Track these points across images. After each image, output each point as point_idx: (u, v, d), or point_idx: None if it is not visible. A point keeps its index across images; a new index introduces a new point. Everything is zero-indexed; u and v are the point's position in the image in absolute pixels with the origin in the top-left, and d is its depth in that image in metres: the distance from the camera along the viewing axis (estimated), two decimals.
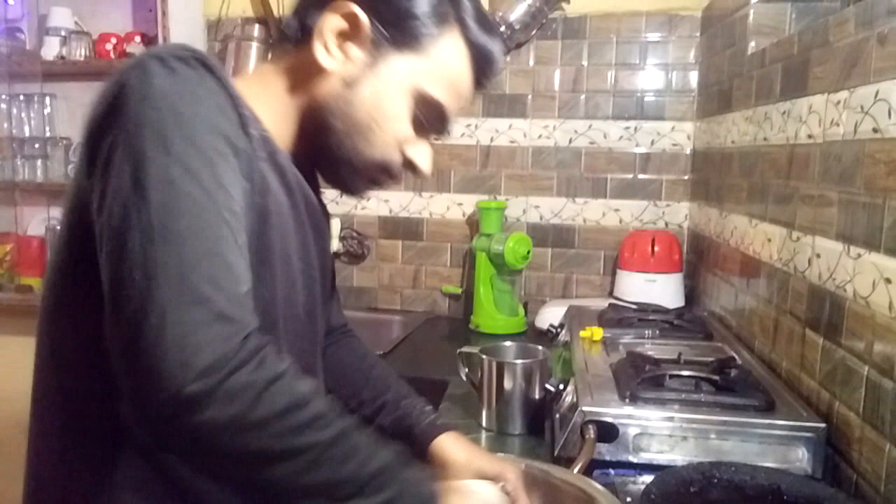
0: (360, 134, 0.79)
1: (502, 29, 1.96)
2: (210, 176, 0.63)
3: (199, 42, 2.20)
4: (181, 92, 0.65)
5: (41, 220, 2.34)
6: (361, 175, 0.83)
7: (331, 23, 0.76)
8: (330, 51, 0.77)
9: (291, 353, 0.78)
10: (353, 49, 0.77)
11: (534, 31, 2.02)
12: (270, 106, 0.79)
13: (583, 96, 2.06)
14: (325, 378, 0.93)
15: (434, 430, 0.95)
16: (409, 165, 0.83)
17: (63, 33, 2.17)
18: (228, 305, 0.60)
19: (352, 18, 0.76)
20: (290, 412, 0.60)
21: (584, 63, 2.05)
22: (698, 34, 1.98)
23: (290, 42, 0.81)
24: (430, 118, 0.81)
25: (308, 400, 0.63)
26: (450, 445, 0.93)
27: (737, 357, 1.26)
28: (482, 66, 0.82)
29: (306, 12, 0.80)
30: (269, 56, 0.83)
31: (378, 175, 0.83)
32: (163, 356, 0.56)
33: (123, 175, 0.62)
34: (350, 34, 0.77)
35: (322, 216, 0.90)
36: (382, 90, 0.78)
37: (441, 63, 0.79)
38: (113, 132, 0.64)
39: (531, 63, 2.08)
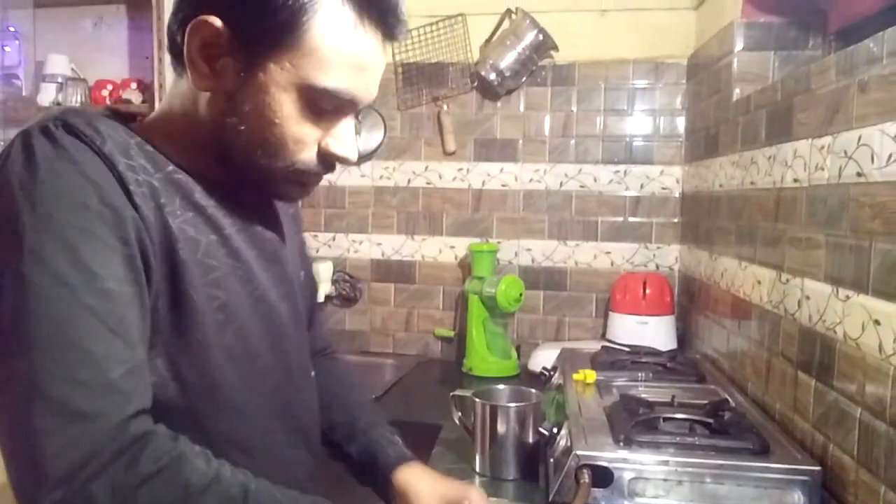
0: (259, 146, 0.74)
1: (493, 76, 2.01)
2: (67, 264, 0.61)
3: None
4: (36, 179, 0.62)
5: None
6: (282, 182, 0.77)
7: (193, 42, 0.71)
8: (198, 68, 0.72)
9: (260, 392, 0.78)
10: (225, 60, 0.71)
11: (524, 78, 2.06)
12: (178, 142, 0.76)
13: (573, 141, 2.10)
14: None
15: (398, 460, 0.95)
16: (330, 157, 0.77)
17: (60, 80, 2.20)
18: (90, 400, 0.58)
19: (207, 28, 0.70)
20: None
21: (574, 109, 2.09)
22: (684, 81, 2.02)
23: (178, 68, 0.76)
24: (332, 106, 0.74)
25: (200, 491, 0.61)
26: (413, 475, 0.92)
27: (730, 400, 1.26)
28: (377, 15, 0.73)
29: (173, 41, 0.75)
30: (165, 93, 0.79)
31: (301, 177, 0.77)
32: (19, 471, 0.56)
33: None
34: (214, 46, 0.71)
35: (276, 241, 0.85)
36: (263, 97, 0.71)
37: (322, 46, 0.70)
38: None
39: (521, 109, 2.12)
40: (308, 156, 0.76)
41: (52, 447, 0.56)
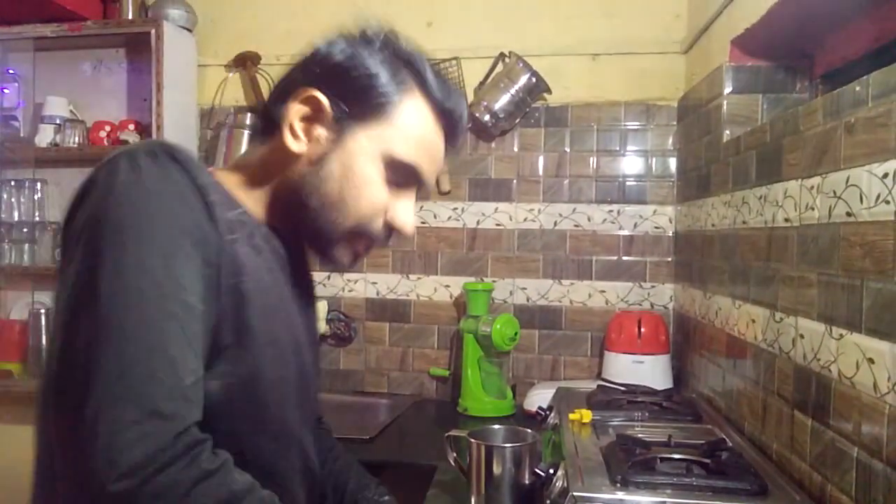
0: (333, 206, 0.82)
1: (487, 117, 2.04)
2: (162, 269, 0.66)
3: (191, 130, 2.26)
4: (142, 188, 0.68)
5: (24, 305, 2.32)
6: (341, 245, 0.85)
7: (294, 110, 0.81)
8: (297, 135, 0.82)
9: (283, 424, 0.82)
10: (319, 129, 0.81)
11: (517, 120, 2.10)
12: (250, 193, 0.84)
13: (566, 181, 2.12)
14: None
15: None
16: (391, 228, 0.86)
17: (58, 121, 2.22)
18: (165, 401, 0.62)
19: (313, 102, 0.81)
20: None
21: (567, 149, 2.12)
22: (675, 123, 2.06)
23: (263, 136, 0.86)
24: (405, 180, 0.84)
25: (239, 497, 0.65)
26: None
27: (727, 439, 1.25)
28: (448, 124, 0.86)
29: (274, 106, 0.84)
30: (246, 149, 0.91)
31: (358, 243, 0.86)
32: (93, 453, 0.59)
33: (80, 268, 0.65)
34: (314, 117, 0.81)
35: (310, 290, 0.93)
36: (350, 162, 0.81)
37: (406, 126, 0.82)
38: (78, 226, 0.68)
39: (515, 149, 2.15)
40: (376, 221, 0.84)
41: (128, 437, 0.59)
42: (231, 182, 0.84)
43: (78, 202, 0.70)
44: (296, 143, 0.82)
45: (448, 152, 0.89)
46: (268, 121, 0.85)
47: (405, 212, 0.86)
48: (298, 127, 0.82)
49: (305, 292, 0.92)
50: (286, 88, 0.83)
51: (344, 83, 0.81)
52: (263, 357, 0.77)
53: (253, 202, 0.84)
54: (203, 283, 0.69)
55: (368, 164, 0.81)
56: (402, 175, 0.84)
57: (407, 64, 0.84)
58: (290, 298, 0.86)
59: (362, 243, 0.86)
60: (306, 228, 0.84)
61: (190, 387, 0.65)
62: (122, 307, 0.63)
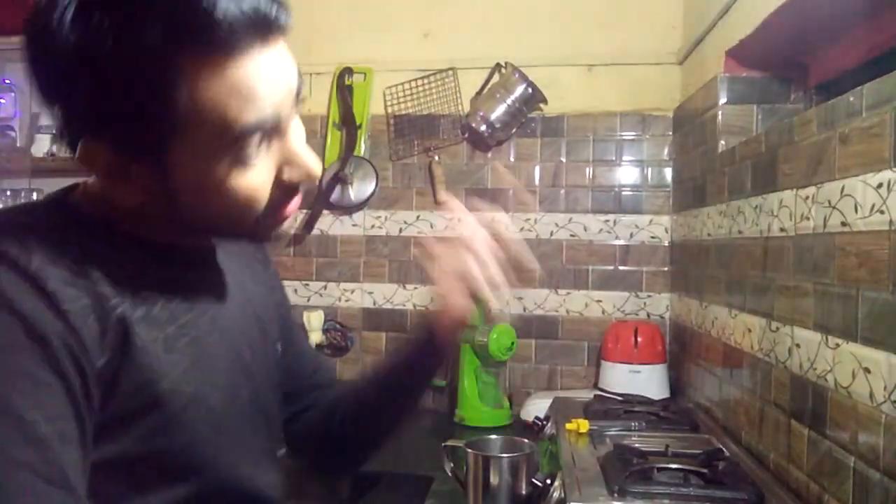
0: (220, 222, 0.70)
1: (483, 128, 2.04)
2: (2, 423, 0.56)
3: None
4: None
5: None
6: (257, 232, 0.73)
7: (97, 169, 0.66)
8: (119, 189, 0.66)
9: (231, 473, 0.76)
10: (134, 168, 0.64)
11: (514, 130, 2.10)
12: (144, 217, 0.71)
13: (562, 191, 2.13)
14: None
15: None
16: (292, 185, 0.71)
17: (54, 131, 2.21)
18: None
19: (103, 157, 0.63)
20: None
21: (563, 159, 2.13)
22: (671, 133, 2.07)
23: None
24: (258, 142, 0.65)
25: None
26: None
27: (724, 449, 1.25)
28: (259, 39, 0.62)
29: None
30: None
31: (272, 217, 0.71)
32: None
33: None
34: (118, 165, 0.64)
35: (249, 299, 0.83)
36: (192, 175, 0.65)
37: (202, 112, 0.61)
38: None
39: (512, 159, 2.15)
40: (265, 197, 0.69)
41: None
42: (105, 200, 0.69)
43: None
44: (129, 196, 0.66)
45: (277, 37, 0.65)
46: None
47: (296, 158, 0.69)
48: (112, 182, 0.66)
49: (246, 303, 0.82)
50: (70, 142, 0.66)
51: (115, 123, 0.62)
52: (177, 425, 0.68)
53: (145, 226, 0.71)
54: (63, 398, 0.58)
55: (206, 166, 0.64)
56: (248, 144, 0.64)
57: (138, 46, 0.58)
58: (216, 340, 0.75)
59: (277, 214, 0.72)
60: (216, 237, 0.77)
61: None
62: None
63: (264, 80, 0.63)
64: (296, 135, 0.70)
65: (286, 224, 0.74)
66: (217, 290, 0.79)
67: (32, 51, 0.67)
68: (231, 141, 0.63)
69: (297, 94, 0.68)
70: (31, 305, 0.58)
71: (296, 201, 0.73)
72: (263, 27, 0.61)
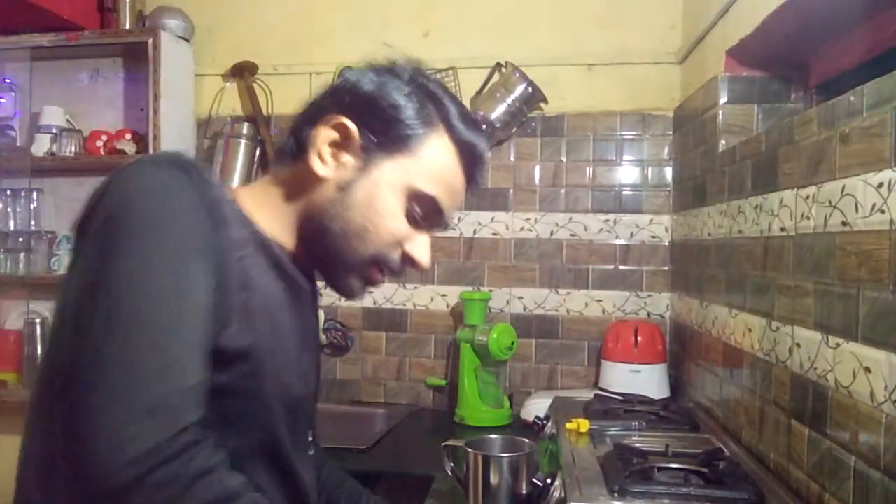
0: (356, 233, 0.83)
1: (483, 127, 2.04)
2: (171, 274, 0.67)
3: (188, 139, 2.26)
4: (156, 195, 0.70)
5: (20, 314, 2.31)
6: (357, 273, 0.87)
7: (323, 135, 0.83)
8: (324, 159, 0.83)
9: (285, 438, 0.83)
10: (346, 156, 0.83)
11: (514, 129, 2.10)
12: (270, 212, 0.86)
13: (563, 190, 2.12)
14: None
15: None
16: (408, 260, 0.88)
17: (54, 130, 2.22)
18: (169, 398, 0.64)
19: (342, 129, 0.83)
20: None
21: (563, 159, 2.13)
22: (671, 132, 2.06)
23: (288, 157, 0.87)
24: (424, 213, 0.86)
25: (236, 495, 0.67)
26: None
27: (724, 449, 1.25)
28: (470, 161, 0.88)
29: (301, 129, 0.86)
30: (270, 169, 0.92)
31: (374, 272, 0.87)
32: (98, 442, 0.60)
33: (93, 263, 0.67)
34: (342, 144, 0.83)
35: (312, 319, 0.94)
36: (375, 191, 0.83)
37: (430, 161, 0.84)
38: (95, 222, 0.69)
39: (512, 159, 2.15)
40: (394, 252, 0.86)
41: (131, 431, 0.61)
42: (249, 201, 0.85)
43: (93, 205, 0.71)
44: (323, 168, 0.83)
45: (469, 188, 0.90)
46: (294, 143, 0.87)
47: (423, 245, 0.88)
48: (326, 152, 0.83)
49: (308, 318, 0.93)
50: (315, 113, 0.85)
51: (372, 113, 0.83)
52: (261, 377, 0.78)
53: (271, 223, 0.85)
54: (209, 294, 0.70)
55: (392, 195, 0.83)
56: (422, 208, 0.85)
57: (433, 98, 0.86)
58: (296, 325, 0.87)
59: (376, 273, 0.88)
60: (325, 253, 0.86)
61: (192, 388, 0.66)
62: (132, 308, 0.65)
63: (459, 192, 0.89)
64: (429, 236, 0.89)
65: (362, 289, 0.89)
66: (304, 295, 0.90)
67: (367, 77, 0.86)
68: (419, 194, 0.84)
69: (450, 221, 0.90)
70: (203, 216, 0.71)
71: (385, 276, 0.89)
72: (475, 177, 0.90)
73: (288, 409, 0.84)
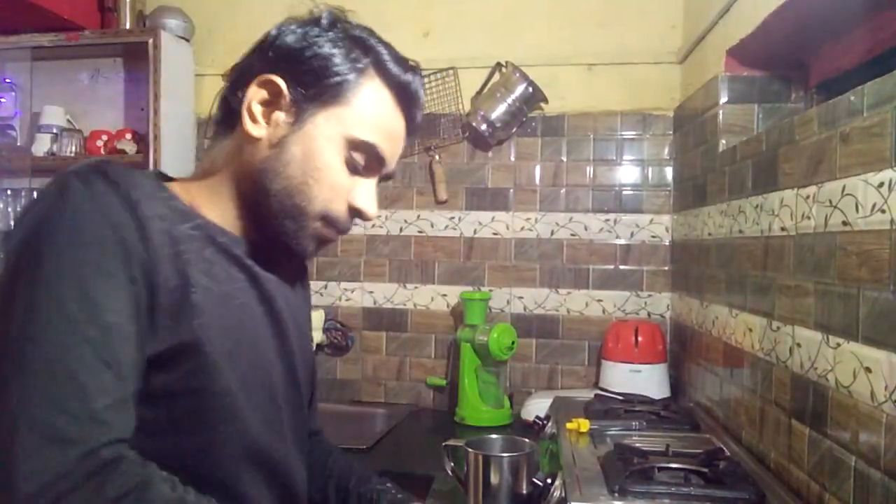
0: (297, 190, 0.81)
1: (484, 127, 2.04)
2: (75, 294, 0.65)
3: (188, 139, 2.26)
4: (66, 212, 0.68)
5: None
6: (306, 230, 0.83)
7: (252, 94, 0.81)
8: (256, 119, 0.81)
9: (243, 442, 0.79)
10: (277, 114, 0.81)
11: (514, 129, 2.10)
12: (214, 197, 0.84)
13: (563, 190, 2.12)
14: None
15: None
16: (354, 211, 0.85)
17: (55, 130, 2.22)
18: (71, 427, 0.62)
19: (270, 85, 0.81)
20: None
21: (564, 159, 2.13)
22: (671, 132, 2.06)
23: (221, 129, 0.86)
24: (365, 161, 0.84)
25: None
26: None
27: (725, 449, 1.25)
28: (406, 102, 0.86)
29: (231, 95, 0.84)
30: (206, 147, 0.89)
31: (323, 228, 0.84)
32: (4, 476, 0.59)
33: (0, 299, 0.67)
34: (272, 101, 0.81)
35: (282, 302, 0.88)
36: (311, 144, 0.81)
37: (364, 107, 0.82)
38: (9, 249, 0.68)
39: (512, 158, 2.15)
40: (338, 205, 0.84)
41: (26, 467, 0.59)
42: (193, 192, 0.83)
43: (18, 222, 0.71)
44: (255, 128, 0.81)
45: (408, 130, 0.89)
46: (226, 111, 0.85)
47: (367, 193, 0.86)
48: (257, 111, 0.81)
49: (277, 301, 0.88)
50: (242, 76, 0.83)
51: (299, 66, 0.81)
52: (213, 371, 0.75)
53: (219, 209, 0.83)
54: (131, 301, 0.68)
55: (329, 146, 0.81)
56: (363, 156, 0.83)
57: (360, 43, 0.84)
58: (256, 308, 0.84)
59: (327, 228, 0.85)
60: (271, 215, 0.82)
61: (103, 409, 0.64)
62: (30, 340, 0.63)
63: (398, 136, 0.87)
64: (374, 182, 0.87)
65: (316, 247, 0.86)
66: (269, 277, 0.87)
67: (288, 30, 0.84)
68: (357, 142, 0.82)
69: (392, 166, 0.88)
70: (123, 220, 0.69)
71: (337, 231, 0.86)
72: (414, 117, 0.88)
73: (260, 399, 0.81)
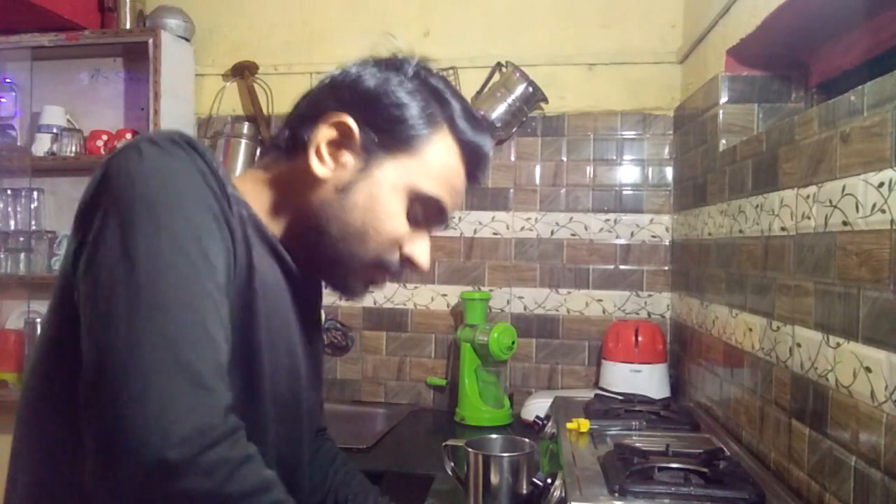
0: (355, 237, 0.81)
1: (485, 125, 2.04)
2: (196, 249, 0.65)
3: None
4: (171, 169, 0.67)
5: (20, 314, 2.31)
6: (357, 276, 0.85)
7: (324, 133, 0.80)
8: (323, 159, 0.80)
9: (276, 432, 0.81)
10: (346, 156, 0.80)
11: (514, 129, 2.10)
12: (261, 201, 0.83)
13: (563, 190, 2.12)
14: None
15: None
16: (408, 261, 0.86)
17: (55, 130, 2.22)
18: (210, 376, 0.61)
19: (343, 128, 0.80)
20: (257, 493, 0.61)
21: (564, 158, 2.13)
22: (671, 132, 2.06)
23: (282, 151, 0.85)
24: (426, 214, 0.84)
25: (273, 485, 0.64)
26: None
27: (725, 448, 1.25)
28: (473, 161, 0.86)
29: (300, 124, 0.83)
30: (259, 161, 0.88)
31: (374, 274, 0.86)
32: (144, 421, 0.56)
33: (113, 245, 0.63)
34: (342, 143, 0.80)
35: (314, 307, 0.92)
36: (376, 192, 0.80)
37: (433, 162, 0.82)
38: (104, 206, 0.66)
39: (512, 158, 2.15)
40: (393, 254, 0.84)
41: (180, 408, 0.58)
42: (246, 190, 0.81)
43: (98, 187, 0.68)
44: (321, 168, 0.80)
45: (470, 187, 0.89)
46: (287, 140, 0.85)
47: (423, 247, 0.86)
48: (325, 151, 0.80)
49: (310, 306, 0.91)
50: (312, 109, 0.83)
51: (374, 112, 0.80)
52: (261, 354, 0.76)
53: (267, 216, 0.83)
54: (227, 268, 0.69)
55: (394, 197, 0.81)
56: (424, 209, 0.83)
57: (437, 96, 0.83)
58: (293, 309, 0.85)
59: (378, 274, 0.86)
60: (323, 255, 0.83)
61: (225, 364, 0.64)
62: (161, 283, 0.62)
63: (460, 192, 0.87)
64: (429, 237, 0.88)
65: (364, 290, 0.88)
66: (291, 280, 0.86)
67: (369, 72, 0.83)
68: (421, 195, 0.82)
69: (448, 221, 0.88)
70: (218, 191, 0.70)
71: (387, 278, 0.87)
72: (477, 179, 0.88)
73: (285, 394, 0.82)
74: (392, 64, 0.84)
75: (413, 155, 0.81)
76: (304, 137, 0.81)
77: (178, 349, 0.60)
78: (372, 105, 0.80)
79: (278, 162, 0.85)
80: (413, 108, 0.81)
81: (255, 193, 0.83)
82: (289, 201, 0.83)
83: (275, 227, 0.84)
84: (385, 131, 0.80)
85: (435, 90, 0.83)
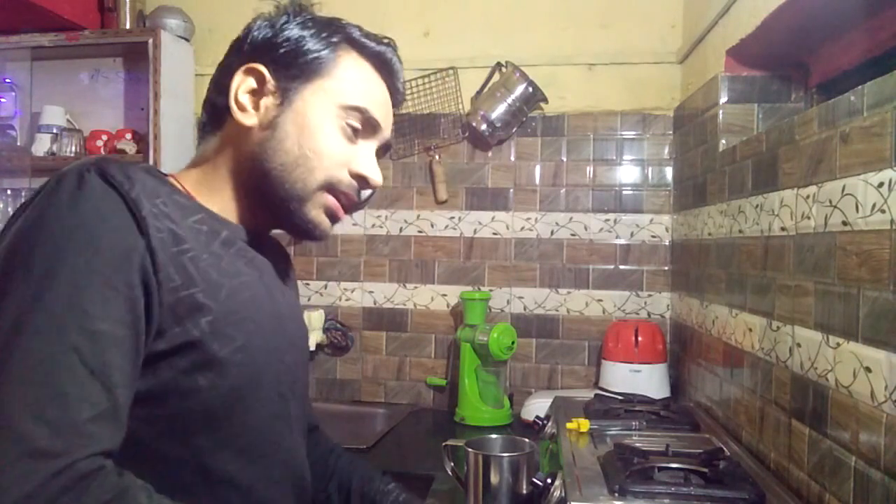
0: (296, 163, 0.82)
1: (484, 127, 2.04)
2: (64, 300, 0.63)
3: (189, 139, 2.26)
4: (60, 216, 0.66)
5: None
6: (314, 205, 0.85)
7: (237, 84, 0.84)
8: (245, 108, 0.84)
9: (257, 437, 0.80)
10: (265, 99, 0.83)
11: (514, 129, 2.10)
12: (215, 188, 0.85)
13: (563, 190, 2.12)
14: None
15: None
16: (359, 179, 0.86)
17: (55, 130, 2.22)
18: (51, 439, 0.60)
19: (253, 72, 0.83)
20: None
21: (564, 159, 2.13)
22: (671, 132, 2.06)
23: (210, 128, 0.88)
24: (360, 124, 0.86)
25: None
26: None
27: (725, 448, 1.25)
28: (385, 71, 0.89)
29: (216, 93, 0.87)
30: (196, 154, 0.90)
31: (329, 200, 0.85)
32: None
33: None
34: (258, 90, 0.84)
35: (291, 295, 0.92)
36: (302, 117, 0.83)
37: (346, 77, 0.85)
38: (2, 251, 0.67)
39: (512, 158, 2.15)
40: (340, 172, 0.85)
41: (7, 478, 0.58)
42: (194, 181, 0.84)
43: (10, 224, 0.69)
44: (246, 116, 0.83)
45: (393, 101, 0.91)
46: (212, 112, 0.88)
47: (367, 159, 0.87)
48: (245, 100, 0.83)
49: (286, 294, 0.91)
50: (223, 76, 0.86)
51: (276, 52, 0.84)
52: (221, 369, 0.74)
53: (221, 200, 0.84)
54: (126, 307, 0.66)
55: (321, 116, 0.83)
56: (356, 121, 0.85)
57: (328, 23, 0.87)
58: (267, 305, 0.84)
59: (333, 200, 0.86)
60: (275, 196, 0.83)
61: (87, 421, 0.62)
62: (16, 347, 0.62)
63: (387, 102, 0.90)
64: (373, 149, 0.88)
65: (330, 221, 0.87)
66: (269, 268, 0.88)
67: (258, 25, 0.87)
68: (347, 107, 0.84)
69: (388, 134, 0.90)
70: (121, 221, 0.68)
71: (347, 202, 0.87)
72: (396, 90, 0.92)
73: (269, 393, 0.81)
74: (277, 13, 0.87)
75: (325, 76, 0.84)
76: (223, 101, 0.84)
77: (12, 420, 0.59)
78: (271, 47, 0.84)
79: (210, 140, 0.88)
80: (308, 38, 0.84)
81: (205, 183, 0.85)
82: (232, 164, 0.85)
83: (234, 205, 0.85)
84: (291, 65, 0.83)
85: (326, 20, 0.88)
